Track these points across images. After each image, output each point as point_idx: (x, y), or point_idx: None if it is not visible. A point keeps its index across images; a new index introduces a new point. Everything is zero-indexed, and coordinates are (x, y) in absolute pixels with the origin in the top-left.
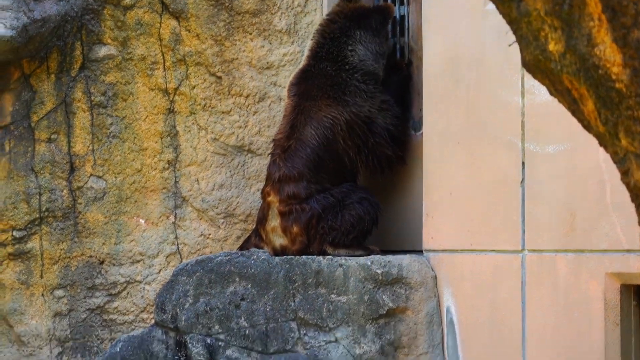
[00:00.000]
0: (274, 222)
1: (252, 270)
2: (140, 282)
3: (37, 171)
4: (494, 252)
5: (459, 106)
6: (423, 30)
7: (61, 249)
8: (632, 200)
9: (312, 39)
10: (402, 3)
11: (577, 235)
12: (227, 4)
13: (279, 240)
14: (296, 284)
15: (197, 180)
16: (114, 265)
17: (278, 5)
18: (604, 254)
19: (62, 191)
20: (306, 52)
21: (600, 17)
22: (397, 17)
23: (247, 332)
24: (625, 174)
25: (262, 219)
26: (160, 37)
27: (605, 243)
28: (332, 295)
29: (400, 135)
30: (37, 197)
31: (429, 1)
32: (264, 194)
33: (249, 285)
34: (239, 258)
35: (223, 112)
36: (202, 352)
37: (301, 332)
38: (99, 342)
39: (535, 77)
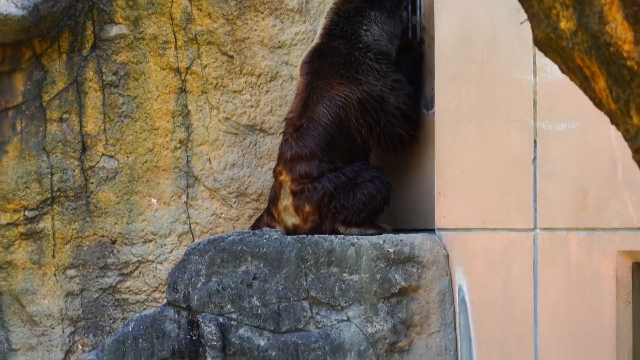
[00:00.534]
0: (286, 201)
1: (264, 249)
2: (152, 261)
3: (49, 151)
4: (506, 230)
5: (471, 85)
6: (435, 8)
7: (73, 229)
8: None
9: (325, 18)
10: None
11: (589, 213)
12: None
13: (291, 220)
14: (308, 263)
15: (209, 159)
16: (126, 244)
17: None
18: (615, 232)
19: (73, 171)
20: (319, 31)
21: None
22: None
23: (260, 311)
24: (636, 152)
25: (274, 198)
26: (171, 16)
27: (617, 221)
28: (344, 274)
29: (413, 114)
30: (49, 176)
31: None
32: (276, 173)
33: (261, 265)
34: (251, 237)
35: (235, 92)
36: (214, 331)
37: (313, 311)
38: (111, 321)
39: (546, 55)
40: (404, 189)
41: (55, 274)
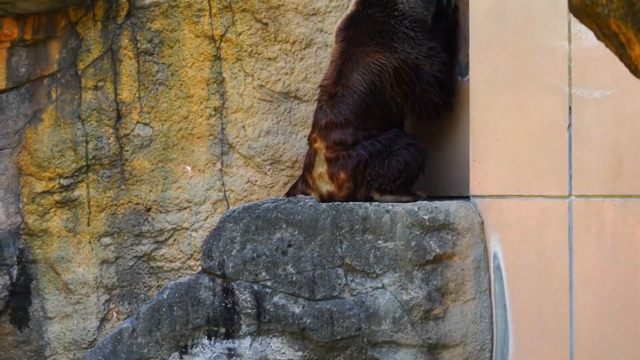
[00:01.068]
0: (321, 168)
1: (299, 216)
2: (187, 229)
3: (84, 119)
4: (541, 197)
5: (505, 51)
6: None
7: (108, 197)
8: None
9: None
10: None
11: (624, 180)
12: None
13: (326, 187)
14: (343, 230)
15: (244, 127)
16: (160, 212)
17: None
18: None
19: (108, 139)
20: None
21: None
22: None
23: (294, 278)
24: None
25: (308, 166)
26: None
27: None
28: (379, 242)
29: (447, 82)
30: (84, 144)
31: None
32: (311, 141)
33: (296, 232)
34: (286, 204)
35: (269, 59)
36: (249, 298)
37: (348, 278)
38: (146, 289)
39: (582, 21)
40: (438, 157)
41: (90, 242)
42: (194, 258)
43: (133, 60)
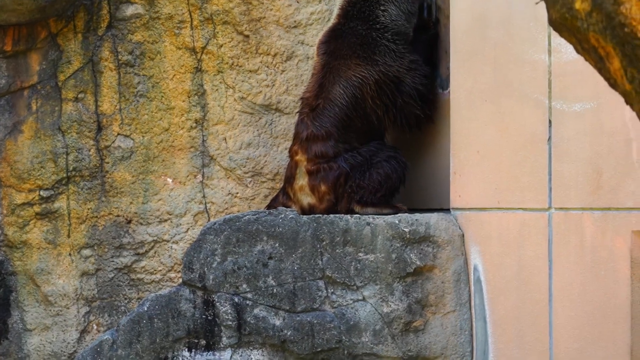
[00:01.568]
0: (302, 180)
1: (280, 229)
2: (167, 241)
3: (64, 130)
4: (521, 210)
5: (486, 64)
6: None
7: (88, 209)
8: None
9: None
10: None
11: (604, 193)
12: None
13: (307, 199)
14: (324, 243)
15: (225, 139)
16: (141, 224)
17: None
18: (630, 212)
19: (89, 150)
20: (336, 11)
21: None
22: None
23: (275, 290)
24: None
25: (289, 178)
26: None
27: (631, 201)
28: (360, 254)
29: (429, 94)
30: (64, 156)
31: None
32: (292, 153)
33: (277, 244)
34: (267, 217)
35: (250, 71)
36: (229, 311)
37: (329, 290)
38: (126, 301)
39: (561, 35)
40: (419, 169)
41: (70, 254)
42: (175, 270)
43: (114, 71)
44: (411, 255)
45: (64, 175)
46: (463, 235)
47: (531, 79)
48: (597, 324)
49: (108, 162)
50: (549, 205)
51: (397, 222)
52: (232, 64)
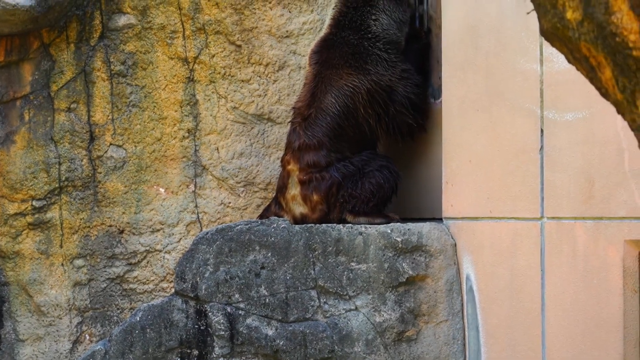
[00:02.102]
0: (294, 190)
1: (272, 238)
2: (160, 251)
3: (57, 140)
4: (514, 219)
5: (478, 74)
6: None
7: (81, 219)
8: None
9: (334, 8)
10: None
11: (596, 202)
12: None
13: (299, 209)
14: (316, 252)
15: (217, 148)
16: (133, 234)
17: None
18: (622, 221)
19: (81, 160)
20: (328, 21)
21: None
22: None
23: (267, 300)
24: None
25: (282, 188)
26: (179, 5)
27: (623, 210)
28: (352, 264)
29: (421, 104)
30: (57, 166)
31: None
32: (284, 163)
33: (269, 254)
34: (259, 226)
35: (243, 81)
36: (222, 320)
37: (321, 300)
38: (118, 311)
39: (553, 44)
40: (411, 178)
41: (62, 264)
42: (167, 280)
43: (106, 82)
44: (403, 264)
45: (57, 185)
46: (455, 245)
47: (523, 89)
48: (590, 333)
49: (100, 172)
50: (541, 215)
51: (389, 231)
52: (225, 74)
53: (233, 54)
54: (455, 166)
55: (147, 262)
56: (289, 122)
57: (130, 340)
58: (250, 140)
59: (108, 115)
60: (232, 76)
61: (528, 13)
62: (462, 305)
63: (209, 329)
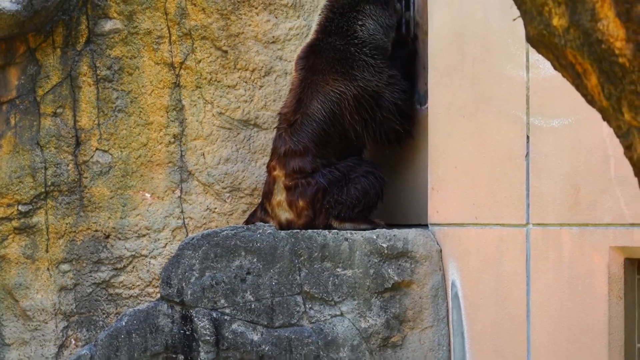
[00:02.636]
0: (280, 196)
1: (258, 244)
2: (145, 256)
3: (43, 145)
4: (499, 225)
5: (464, 80)
6: (428, 4)
7: (67, 223)
8: (635, 174)
9: (320, 14)
10: None
11: (582, 209)
12: None
13: (285, 215)
14: (302, 258)
15: (203, 154)
16: (119, 239)
17: None
18: (607, 227)
19: (67, 165)
20: (314, 27)
21: None
22: None
23: (253, 306)
24: (628, 148)
25: (267, 193)
26: (166, 11)
27: (609, 217)
28: (338, 269)
29: (408, 110)
30: (43, 171)
31: None
32: (270, 168)
33: (255, 259)
34: (245, 232)
35: (229, 86)
36: (207, 326)
37: (307, 306)
38: (104, 316)
39: (539, 51)
40: (397, 184)
41: (48, 269)
42: (153, 285)
43: (92, 86)
44: (389, 270)
45: (43, 190)
46: (441, 251)
47: (509, 95)
48: (575, 339)
49: (86, 177)
50: (527, 221)
51: (375, 237)
52: (211, 79)
53: (219, 60)
54: (441, 172)
55: (133, 267)
56: (274, 127)
57: (116, 345)
58: (236, 145)
59: (94, 120)
60: (218, 82)
61: (514, 20)
62: (448, 311)
63: (195, 334)
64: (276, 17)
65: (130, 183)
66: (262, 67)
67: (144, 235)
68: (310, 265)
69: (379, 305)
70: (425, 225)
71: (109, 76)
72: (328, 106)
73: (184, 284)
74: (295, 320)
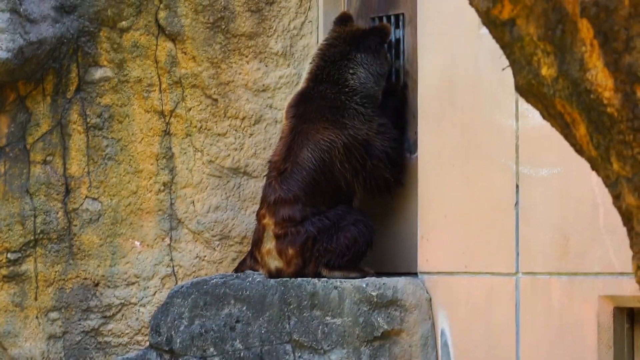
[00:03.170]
0: (269, 244)
1: (247, 292)
2: (135, 304)
3: (32, 193)
4: (489, 274)
5: (454, 128)
6: (418, 53)
7: (56, 271)
8: (624, 224)
9: (311, 63)
10: (397, 26)
11: (571, 258)
12: (223, 27)
13: (274, 263)
14: (291, 306)
15: (193, 202)
16: (108, 287)
17: (274, 28)
18: (597, 276)
19: (57, 213)
20: (305, 75)
21: (592, 42)
22: (393, 40)
23: (242, 354)
24: (617, 198)
25: (257, 242)
26: (156, 59)
27: (598, 266)
28: (327, 318)
29: (398, 158)
30: (32, 219)
31: (424, 24)
32: (259, 217)
33: (244, 308)
34: (234, 280)
35: (219, 135)
36: None
37: (296, 354)
38: None
39: (528, 101)
40: (387, 233)
41: (37, 317)
42: (142, 333)
43: (82, 134)
44: (378, 319)
45: (32, 237)
46: (430, 300)
47: (499, 144)
48: None
49: (76, 225)
50: (517, 270)
51: (364, 285)
52: (201, 127)
53: (209, 108)
54: (430, 221)
55: (122, 315)
56: (264, 176)
57: None
58: (226, 193)
59: (84, 168)
60: (208, 130)
61: (503, 69)
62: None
63: None
64: (266, 66)
65: (120, 231)
66: (252, 115)
67: (134, 283)
68: (299, 313)
69: (368, 354)
70: (414, 274)
71: (99, 124)
72: (318, 155)
73: (173, 332)
74: None
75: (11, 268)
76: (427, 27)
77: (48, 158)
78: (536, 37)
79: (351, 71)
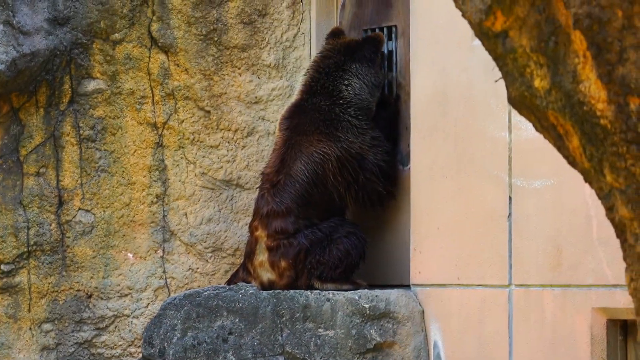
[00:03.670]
0: (262, 256)
1: (240, 304)
2: (128, 316)
3: (26, 205)
4: (481, 286)
5: (447, 141)
6: (411, 65)
7: (49, 283)
8: (618, 236)
9: (305, 74)
10: (390, 38)
11: (564, 270)
12: (215, 39)
13: (267, 275)
14: (284, 319)
15: (186, 214)
16: (101, 299)
17: (267, 40)
18: (590, 289)
19: (50, 225)
20: (299, 87)
21: (585, 54)
22: (385, 52)
23: None
24: (610, 210)
25: (249, 254)
26: (149, 71)
27: (591, 278)
28: (320, 330)
29: (390, 171)
30: (25, 230)
31: (417, 36)
32: (252, 229)
33: (237, 320)
34: (227, 292)
35: (211, 147)
36: None
37: None
38: None
39: (521, 113)
40: (379, 245)
41: (30, 328)
42: (135, 345)
43: (75, 146)
44: (371, 331)
45: (25, 249)
46: (423, 312)
47: (492, 156)
48: None
49: (69, 237)
50: (509, 282)
51: (357, 298)
52: (193, 140)
53: (202, 120)
54: (423, 233)
55: (115, 327)
56: (257, 188)
57: None
58: (218, 206)
59: (77, 180)
60: (200, 142)
61: (496, 81)
62: None
63: None
64: (259, 78)
65: (113, 243)
66: (245, 127)
67: (126, 295)
68: (292, 325)
69: None
70: (407, 286)
71: (92, 136)
72: (311, 167)
73: (165, 344)
74: None
75: (4, 280)
76: (419, 39)
77: (41, 170)
78: (529, 49)
79: (346, 82)
